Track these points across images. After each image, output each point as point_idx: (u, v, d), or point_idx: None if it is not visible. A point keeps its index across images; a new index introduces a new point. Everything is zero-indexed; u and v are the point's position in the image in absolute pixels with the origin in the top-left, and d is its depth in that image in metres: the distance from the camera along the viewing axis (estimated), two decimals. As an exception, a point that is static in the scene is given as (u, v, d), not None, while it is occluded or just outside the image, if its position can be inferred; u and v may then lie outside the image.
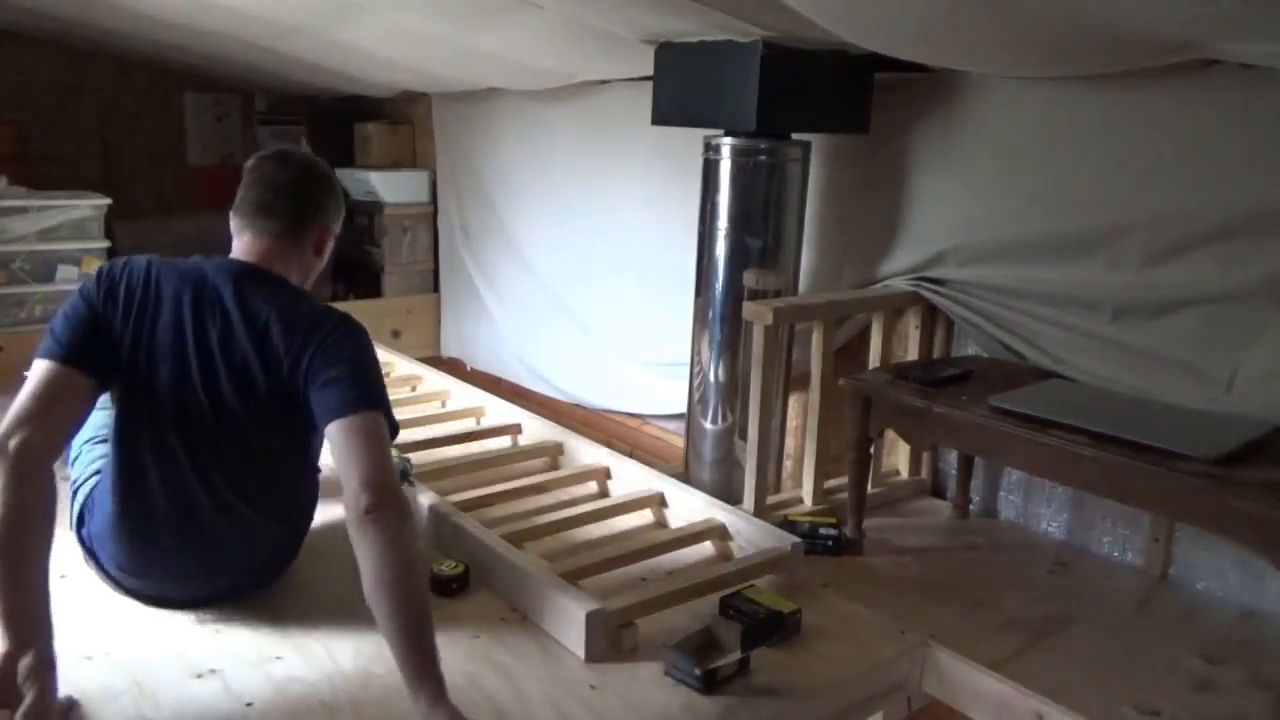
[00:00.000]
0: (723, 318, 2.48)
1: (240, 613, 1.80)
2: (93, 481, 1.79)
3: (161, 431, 1.65)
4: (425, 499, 2.15)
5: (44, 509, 1.50)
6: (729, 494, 2.42)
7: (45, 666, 1.39)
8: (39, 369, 1.58)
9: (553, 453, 2.61)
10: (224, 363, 1.65)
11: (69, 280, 3.57)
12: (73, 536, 1.79)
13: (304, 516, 1.89)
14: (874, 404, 2.18)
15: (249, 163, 1.81)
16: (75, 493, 1.82)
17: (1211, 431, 1.80)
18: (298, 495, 1.84)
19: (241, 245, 1.76)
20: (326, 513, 2.25)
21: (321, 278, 1.92)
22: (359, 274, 4.54)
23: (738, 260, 2.43)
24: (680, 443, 2.85)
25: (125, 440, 1.67)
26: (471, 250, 4.17)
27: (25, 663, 1.37)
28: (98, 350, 1.63)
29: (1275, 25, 1.51)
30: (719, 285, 2.47)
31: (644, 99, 2.56)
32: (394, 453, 2.03)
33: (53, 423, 1.56)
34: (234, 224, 1.78)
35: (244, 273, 1.71)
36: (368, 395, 1.63)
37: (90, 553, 1.78)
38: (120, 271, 1.70)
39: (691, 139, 2.54)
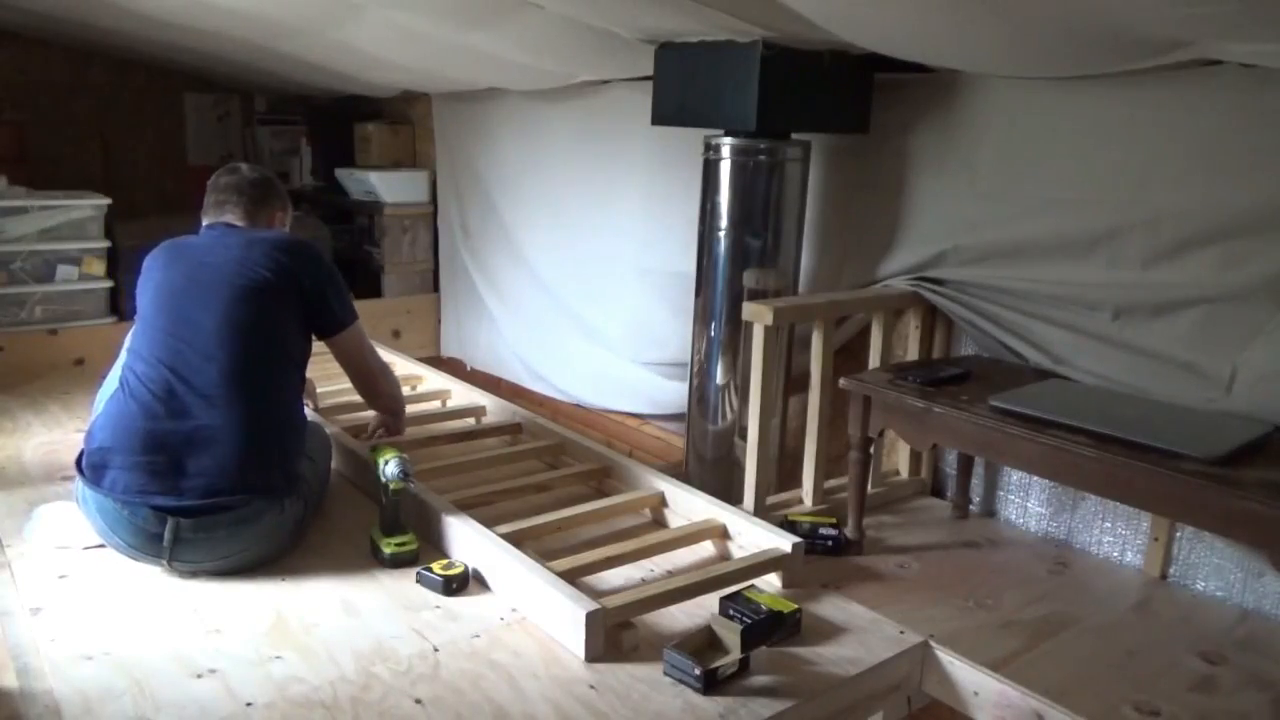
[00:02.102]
0: (723, 318, 2.48)
1: (240, 613, 1.80)
2: (99, 412, 2.08)
3: (166, 346, 2.03)
4: (425, 499, 2.15)
5: None
6: (729, 494, 2.42)
7: None
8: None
9: (553, 452, 2.61)
10: (239, 265, 2.10)
11: (69, 280, 3.58)
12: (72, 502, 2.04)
13: (278, 442, 2.05)
14: (874, 404, 2.18)
15: (210, 181, 2.36)
16: (89, 433, 2.04)
17: (1211, 431, 1.80)
18: (276, 389, 2.09)
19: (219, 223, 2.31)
20: (324, 513, 2.26)
21: None
22: (359, 274, 4.54)
23: (738, 260, 2.43)
24: (680, 443, 2.85)
25: (144, 342, 2.06)
26: (471, 250, 4.17)
27: None
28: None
29: (1275, 25, 1.51)
30: (719, 285, 2.47)
31: (644, 99, 2.56)
32: (394, 452, 2.06)
33: None
34: (205, 221, 2.32)
35: (230, 228, 2.29)
36: (346, 313, 2.28)
37: (82, 474, 1.96)
38: (149, 259, 2.22)
39: (691, 139, 2.54)
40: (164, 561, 1.90)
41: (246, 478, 1.93)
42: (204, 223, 2.31)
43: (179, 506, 1.88)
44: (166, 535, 1.86)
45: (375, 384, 2.46)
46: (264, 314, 2.07)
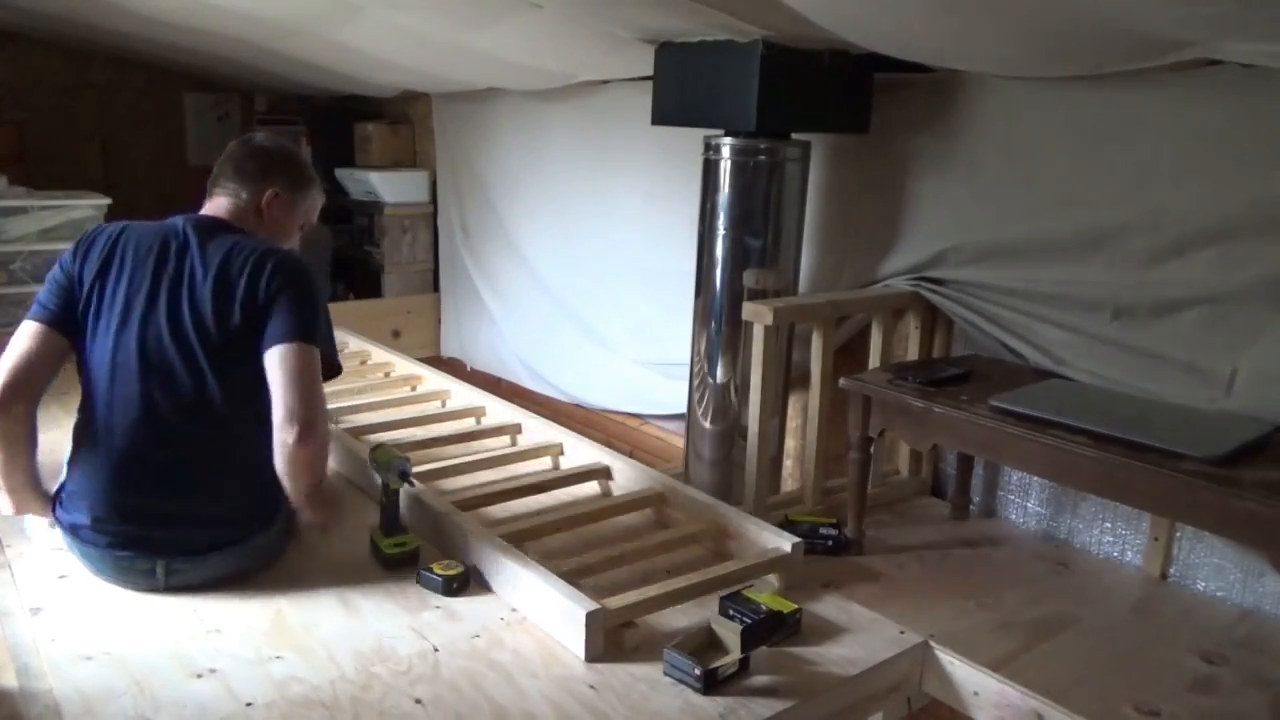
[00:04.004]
0: (723, 318, 2.48)
1: (240, 612, 1.80)
2: (71, 458, 1.93)
3: (120, 366, 1.81)
4: (425, 499, 2.15)
5: (22, 428, 1.83)
6: (729, 494, 2.42)
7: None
8: (23, 329, 1.85)
9: (553, 452, 2.61)
10: (187, 298, 1.82)
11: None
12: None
13: (254, 478, 1.85)
14: (874, 404, 2.18)
15: None
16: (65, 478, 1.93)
17: (1211, 431, 1.80)
18: (247, 456, 1.84)
19: (206, 207, 2.00)
20: (326, 513, 2.26)
21: (321, 276, 2.00)
22: (359, 274, 4.54)
23: (738, 260, 2.43)
24: (680, 443, 2.85)
25: (86, 382, 1.85)
26: (471, 250, 4.17)
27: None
28: (72, 313, 1.86)
29: (1275, 25, 1.51)
30: (719, 285, 2.47)
31: (644, 99, 2.56)
32: (394, 452, 2.05)
33: (29, 371, 1.82)
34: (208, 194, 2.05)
35: (207, 223, 1.94)
36: (305, 328, 1.82)
37: (60, 521, 1.89)
38: (94, 235, 1.92)
39: (691, 139, 2.54)
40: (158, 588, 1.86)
41: (229, 515, 1.87)
42: None
43: (166, 555, 1.83)
44: (158, 572, 1.82)
45: (302, 426, 1.76)
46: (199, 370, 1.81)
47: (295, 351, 1.80)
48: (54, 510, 1.89)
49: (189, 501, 1.83)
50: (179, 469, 1.83)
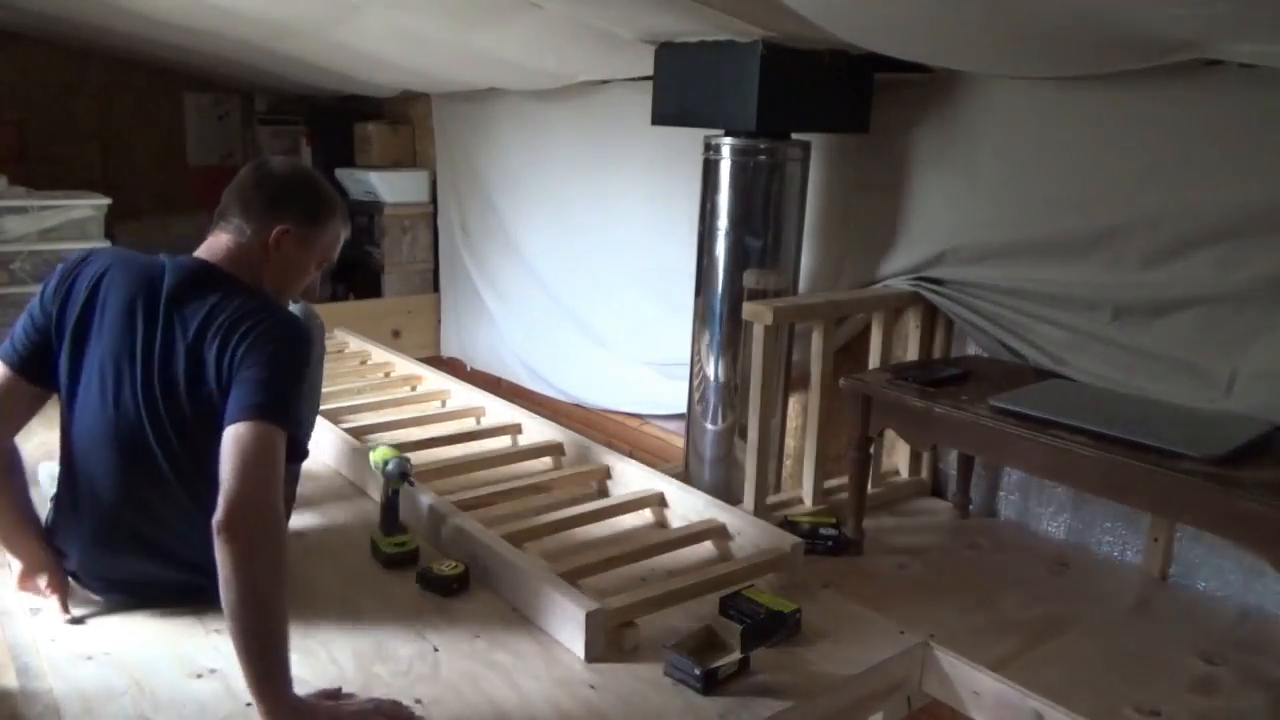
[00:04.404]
0: (723, 318, 2.48)
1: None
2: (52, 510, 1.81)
3: (95, 438, 1.65)
4: (425, 499, 2.15)
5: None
6: (729, 494, 2.42)
7: (61, 580, 1.74)
8: None
9: (553, 453, 2.61)
10: (159, 371, 1.62)
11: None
12: None
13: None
14: (874, 404, 2.18)
15: None
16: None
17: (1211, 431, 1.80)
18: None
19: (205, 244, 1.74)
20: (324, 513, 2.26)
21: (321, 277, 1.91)
22: (359, 274, 4.54)
23: (738, 260, 2.43)
24: (680, 443, 2.85)
25: (65, 442, 1.71)
26: (471, 250, 4.17)
27: (44, 578, 1.73)
28: (45, 361, 1.69)
29: (1275, 25, 1.51)
30: (719, 285, 2.47)
31: (644, 99, 2.56)
32: (394, 452, 2.05)
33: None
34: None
35: (191, 275, 1.67)
36: (268, 405, 1.52)
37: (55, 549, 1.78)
38: (77, 272, 1.72)
39: (691, 139, 2.54)
40: None
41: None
42: None
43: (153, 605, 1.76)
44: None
45: (229, 512, 1.42)
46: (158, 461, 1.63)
47: (247, 432, 1.48)
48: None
49: (173, 570, 1.73)
50: (161, 542, 1.70)
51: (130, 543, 1.70)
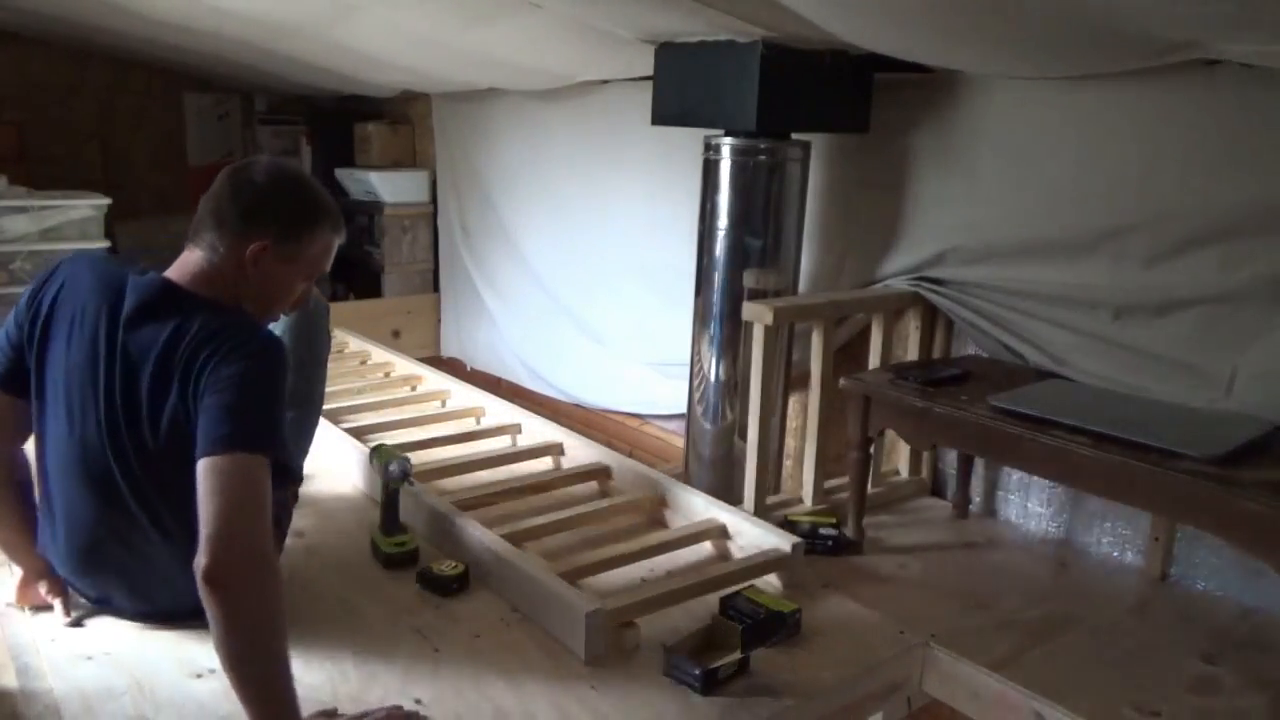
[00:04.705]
0: (723, 318, 2.48)
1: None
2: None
3: (65, 465, 1.58)
4: (425, 499, 2.15)
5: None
6: (729, 494, 2.42)
7: (62, 586, 1.70)
8: None
9: (553, 453, 2.61)
10: (122, 400, 1.51)
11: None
12: None
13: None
14: (874, 404, 2.18)
15: None
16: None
17: (1211, 431, 1.80)
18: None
19: (177, 261, 1.60)
20: (324, 513, 2.26)
21: (322, 284, 1.83)
22: (359, 274, 4.54)
23: (738, 260, 2.43)
24: (680, 443, 2.85)
25: (40, 463, 1.64)
26: (471, 250, 4.17)
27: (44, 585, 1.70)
28: (24, 372, 1.62)
29: (1275, 25, 1.51)
30: (719, 285, 2.47)
31: (644, 99, 2.56)
32: (394, 453, 2.05)
33: None
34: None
35: (150, 298, 1.53)
36: (241, 432, 1.39)
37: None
38: (48, 281, 1.62)
39: (691, 139, 2.54)
40: None
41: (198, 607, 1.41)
42: None
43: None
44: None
45: (211, 563, 1.30)
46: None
47: (220, 465, 1.36)
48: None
49: (154, 595, 1.66)
50: (138, 572, 1.63)
51: (113, 574, 1.65)
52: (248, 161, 1.65)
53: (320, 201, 1.65)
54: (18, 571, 1.76)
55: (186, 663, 1.63)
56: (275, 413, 1.48)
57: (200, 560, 1.30)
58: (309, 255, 1.63)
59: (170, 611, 1.68)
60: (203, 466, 1.37)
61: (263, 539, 1.36)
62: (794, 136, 2.41)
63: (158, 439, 1.50)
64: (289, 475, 1.50)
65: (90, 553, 1.62)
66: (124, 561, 1.63)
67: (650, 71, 2.51)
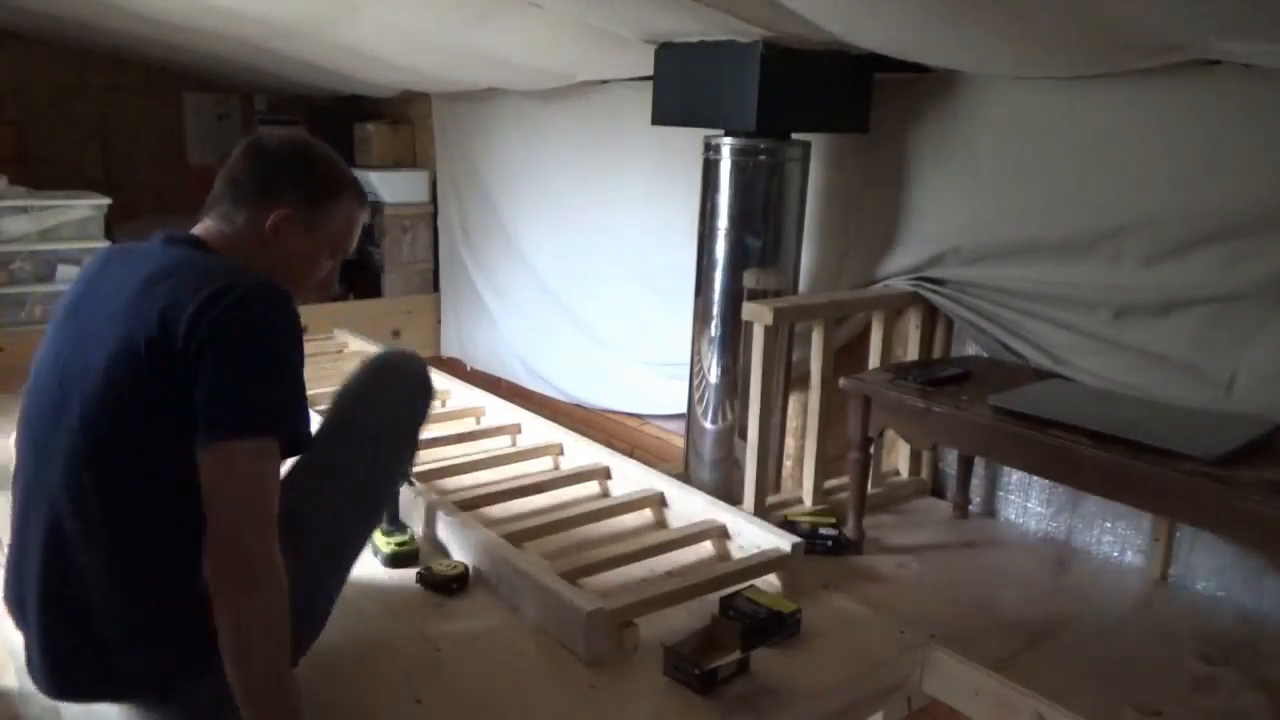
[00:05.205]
0: (723, 318, 2.48)
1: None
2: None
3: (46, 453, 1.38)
4: (425, 499, 2.15)
5: None
6: (729, 494, 2.42)
7: None
8: None
9: (553, 453, 2.61)
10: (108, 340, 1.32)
11: (69, 280, 3.57)
12: None
13: (179, 600, 1.31)
14: (874, 404, 2.18)
15: None
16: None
17: (1212, 431, 1.80)
18: (169, 570, 1.32)
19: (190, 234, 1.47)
20: (326, 513, 2.26)
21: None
22: (359, 274, 4.54)
23: (738, 260, 2.43)
24: (680, 443, 2.85)
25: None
26: (471, 250, 4.17)
27: None
28: None
29: (1275, 25, 1.51)
30: (719, 285, 2.47)
31: (644, 99, 2.56)
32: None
33: None
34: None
35: (177, 246, 1.42)
36: (245, 411, 1.26)
37: None
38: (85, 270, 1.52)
39: (691, 139, 2.54)
40: None
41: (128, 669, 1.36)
42: None
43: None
44: None
45: (229, 567, 1.24)
46: (121, 431, 1.29)
47: (227, 456, 1.24)
48: None
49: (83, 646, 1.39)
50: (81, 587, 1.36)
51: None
52: (262, 134, 1.56)
53: (342, 171, 1.55)
54: None
55: (186, 663, 1.63)
56: (277, 380, 1.33)
57: (220, 570, 1.25)
58: (333, 228, 1.51)
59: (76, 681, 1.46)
60: (204, 455, 1.26)
61: (267, 533, 1.27)
62: (794, 136, 2.41)
63: (117, 426, 1.33)
64: (300, 446, 1.35)
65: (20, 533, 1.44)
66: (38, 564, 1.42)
67: (650, 71, 2.51)
